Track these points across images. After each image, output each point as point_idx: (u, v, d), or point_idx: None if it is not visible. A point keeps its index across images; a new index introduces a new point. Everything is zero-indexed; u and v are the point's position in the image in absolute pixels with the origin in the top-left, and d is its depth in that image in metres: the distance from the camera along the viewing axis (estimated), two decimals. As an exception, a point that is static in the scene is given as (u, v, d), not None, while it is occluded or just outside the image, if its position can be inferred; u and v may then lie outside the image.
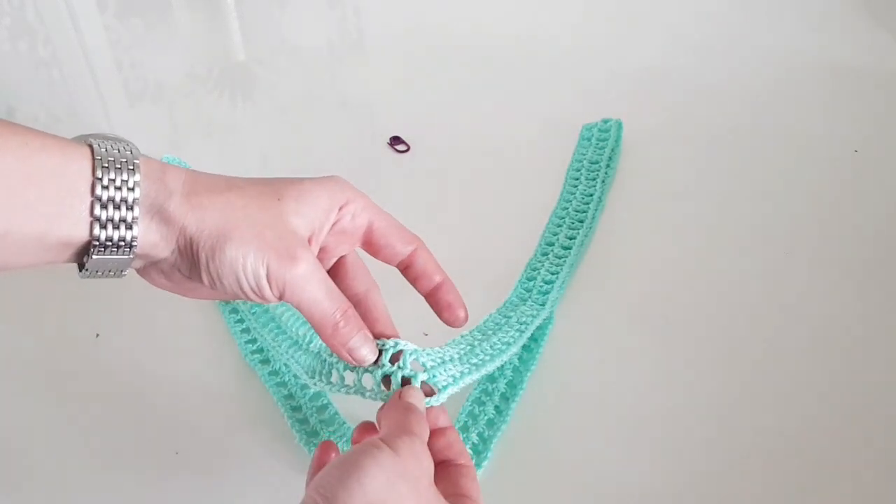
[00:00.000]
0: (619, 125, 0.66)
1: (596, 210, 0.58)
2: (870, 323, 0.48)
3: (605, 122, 0.67)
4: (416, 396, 0.35)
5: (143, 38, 0.93)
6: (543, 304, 0.49)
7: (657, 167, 0.63)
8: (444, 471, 0.33)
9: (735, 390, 0.44)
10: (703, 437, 0.42)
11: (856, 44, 0.77)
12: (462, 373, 0.38)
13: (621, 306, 0.51)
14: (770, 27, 0.83)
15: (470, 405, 0.44)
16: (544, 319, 0.48)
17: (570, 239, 0.55)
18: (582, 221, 0.56)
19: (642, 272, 0.53)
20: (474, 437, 0.42)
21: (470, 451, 0.41)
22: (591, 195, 0.59)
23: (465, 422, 0.43)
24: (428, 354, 0.38)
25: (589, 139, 0.65)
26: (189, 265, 0.32)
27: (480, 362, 0.40)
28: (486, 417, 0.43)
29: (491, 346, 0.42)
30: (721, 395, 0.44)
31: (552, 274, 0.52)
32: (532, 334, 0.48)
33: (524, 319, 0.46)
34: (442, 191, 0.63)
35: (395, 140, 0.69)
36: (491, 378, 0.45)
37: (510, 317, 0.46)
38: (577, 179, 0.61)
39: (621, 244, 0.56)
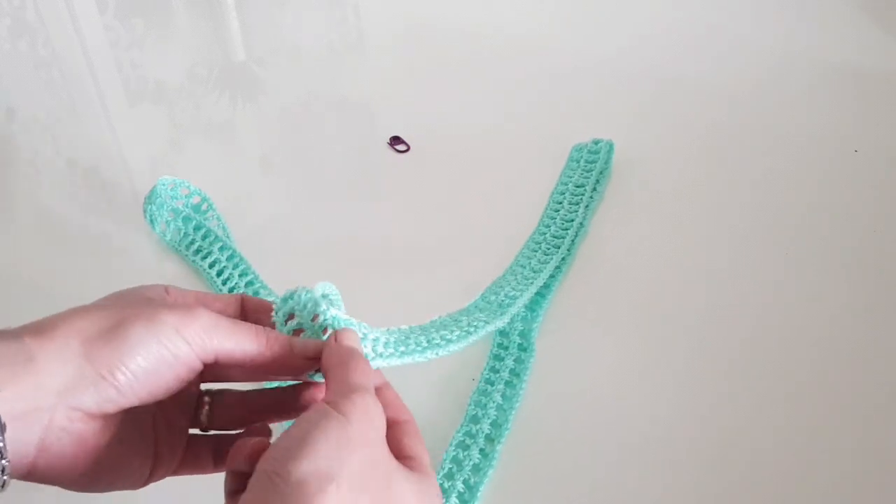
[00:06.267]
0: (610, 147, 0.63)
1: (576, 236, 0.56)
2: (870, 323, 0.48)
3: (596, 142, 0.64)
4: (352, 338, 0.33)
5: (143, 38, 0.93)
6: (501, 315, 0.46)
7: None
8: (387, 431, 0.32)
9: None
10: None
11: (856, 44, 0.77)
12: (386, 355, 0.36)
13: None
14: (769, 28, 0.83)
15: (454, 450, 0.42)
16: (525, 353, 0.47)
17: (542, 263, 0.53)
18: (558, 247, 0.55)
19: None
20: (460, 486, 0.40)
21: (456, 501, 0.40)
22: (572, 221, 0.57)
23: (450, 469, 0.41)
24: (361, 326, 0.36)
25: (577, 161, 0.63)
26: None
27: (408, 351, 0.37)
28: (471, 463, 0.41)
29: (428, 340, 0.39)
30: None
31: (516, 291, 0.50)
32: (514, 369, 0.46)
33: (475, 323, 0.43)
34: (442, 191, 0.63)
35: (395, 140, 0.69)
36: (474, 419, 0.44)
37: (460, 321, 0.43)
38: (560, 203, 0.59)
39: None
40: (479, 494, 0.40)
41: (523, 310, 0.50)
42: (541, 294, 0.52)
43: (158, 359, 0.29)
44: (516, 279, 0.51)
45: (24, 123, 0.80)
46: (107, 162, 0.71)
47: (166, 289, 0.34)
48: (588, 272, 0.54)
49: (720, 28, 0.83)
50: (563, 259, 0.54)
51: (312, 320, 0.34)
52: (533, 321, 0.50)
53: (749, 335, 0.48)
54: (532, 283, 0.50)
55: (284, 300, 0.35)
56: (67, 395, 0.28)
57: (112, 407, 0.29)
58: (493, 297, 0.49)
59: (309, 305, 0.34)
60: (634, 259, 0.55)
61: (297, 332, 0.34)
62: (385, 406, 0.31)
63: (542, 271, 0.52)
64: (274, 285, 0.54)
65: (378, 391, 0.33)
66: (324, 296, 0.35)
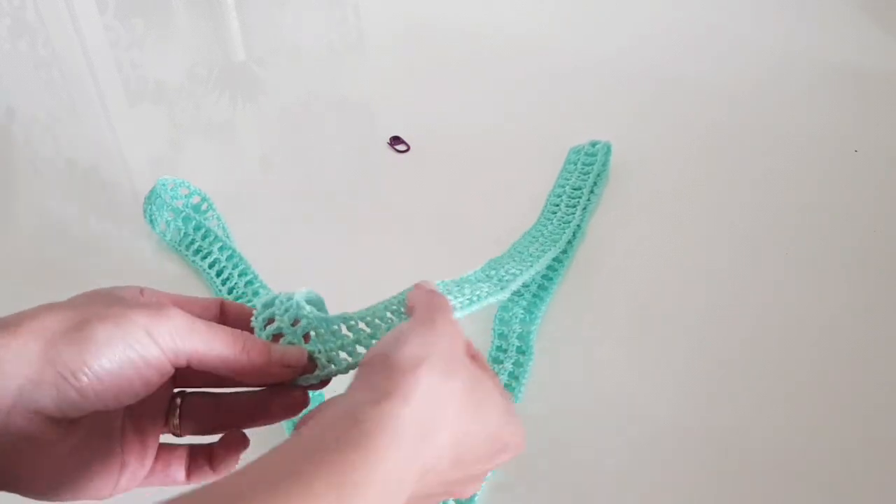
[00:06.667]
0: (608, 148, 0.62)
1: (574, 237, 0.56)
2: (870, 323, 0.48)
3: (593, 144, 0.63)
4: (431, 284, 0.36)
5: (143, 38, 0.93)
6: (502, 290, 0.45)
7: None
8: None
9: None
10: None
11: (856, 44, 0.77)
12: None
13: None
14: (769, 28, 0.83)
15: None
16: (524, 356, 0.47)
17: (541, 252, 0.53)
18: (556, 242, 0.54)
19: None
20: None
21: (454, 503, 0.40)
22: (568, 223, 0.57)
23: None
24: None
25: (575, 163, 0.62)
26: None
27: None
28: None
29: None
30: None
31: (517, 269, 0.49)
32: (513, 372, 0.46)
33: (478, 293, 0.42)
34: (442, 191, 0.63)
35: (395, 140, 0.69)
36: None
37: (463, 287, 0.42)
38: (557, 206, 0.59)
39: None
40: (476, 499, 0.40)
41: (521, 312, 0.50)
42: (539, 297, 0.52)
43: (125, 361, 0.28)
44: (514, 261, 0.51)
45: (24, 123, 0.80)
46: (107, 162, 0.71)
47: (141, 290, 0.33)
48: (586, 275, 0.54)
49: (720, 28, 0.83)
50: (560, 262, 0.54)
51: (293, 325, 0.34)
52: (531, 324, 0.49)
53: (749, 335, 0.48)
54: (531, 265, 0.50)
55: (265, 306, 0.34)
56: (26, 397, 0.26)
57: (74, 411, 0.28)
58: (492, 273, 0.49)
59: (291, 309, 0.34)
60: (633, 261, 0.55)
61: (276, 336, 0.34)
62: None
63: (540, 258, 0.52)
64: (274, 285, 0.54)
65: None
66: (306, 300, 0.35)
